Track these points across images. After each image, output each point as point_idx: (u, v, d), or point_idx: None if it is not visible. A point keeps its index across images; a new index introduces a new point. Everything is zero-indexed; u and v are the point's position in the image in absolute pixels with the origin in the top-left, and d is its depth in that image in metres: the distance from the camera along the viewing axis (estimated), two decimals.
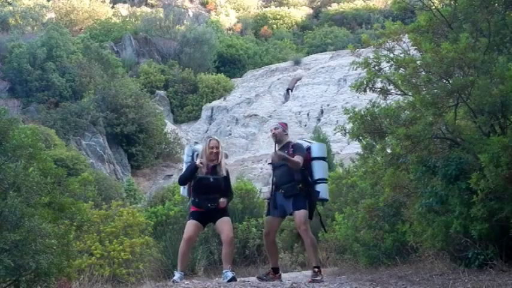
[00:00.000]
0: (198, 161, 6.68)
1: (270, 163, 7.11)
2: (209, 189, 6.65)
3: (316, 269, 6.59)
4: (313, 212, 6.85)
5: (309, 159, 6.80)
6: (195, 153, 6.91)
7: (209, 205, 6.62)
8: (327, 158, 7.05)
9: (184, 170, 6.97)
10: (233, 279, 6.35)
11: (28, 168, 6.20)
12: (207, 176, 6.67)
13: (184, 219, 12.49)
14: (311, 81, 38.92)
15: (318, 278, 6.50)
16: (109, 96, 33.07)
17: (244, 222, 12.90)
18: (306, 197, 6.68)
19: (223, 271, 6.50)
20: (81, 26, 48.54)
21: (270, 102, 38.05)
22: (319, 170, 6.80)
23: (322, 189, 6.78)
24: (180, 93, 41.13)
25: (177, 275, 6.50)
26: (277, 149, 6.91)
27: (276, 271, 6.82)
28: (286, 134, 7.03)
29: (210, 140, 6.82)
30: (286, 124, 7.19)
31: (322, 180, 6.81)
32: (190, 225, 6.66)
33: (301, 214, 6.59)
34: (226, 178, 6.78)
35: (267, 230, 6.91)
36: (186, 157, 7.03)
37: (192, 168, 6.71)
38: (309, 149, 6.88)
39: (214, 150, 6.73)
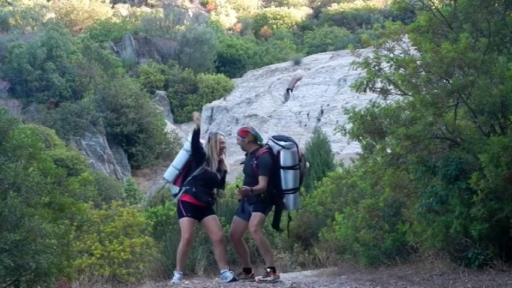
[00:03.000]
0: (195, 124, 6.52)
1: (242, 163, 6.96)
2: (212, 183, 6.60)
3: (268, 269, 6.43)
4: (278, 218, 6.73)
5: (278, 167, 6.49)
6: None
7: (209, 199, 6.57)
8: (297, 166, 6.53)
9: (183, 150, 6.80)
10: (234, 279, 6.35)
11: (28, 168, 6.20)
12: (215, 172, 6.60)
13: None
14: (311, 81, 38.93)
15: (268, 278, 6.34)
16: (109, 96, 33.08)
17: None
18: (267, 203, 6.53)
19: (221, 272, 6.48)
20: (81, 26, 48.51)
21: (270, 102, 38.05)
22: (286, 180, 6.47)
23: (289, 201, 6.57)
24: (180, 93, 41.12)
25: (176, 276, 6.46)
26: (245, 156, 6.75)
27: (247, 271, 6.66)
28: (251, 141, 6.66)
29: (217, 134, 6.75)
30: (245, 131, 6.70)
31: (290, 191, 6.52)
32: (189, 223, 6.49)
33: (255, 216, 6.45)
34: (225, 172, 6.70)
35: (232, 231, 6.74)
36: (187, 144, 6.78)
37: (196, 132, 6.51)
38: (278, 153, 6.52)
39: (224, 145, 6.70)
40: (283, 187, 6.51)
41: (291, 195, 6.56)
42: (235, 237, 6.72)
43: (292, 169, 6.50)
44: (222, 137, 6.73)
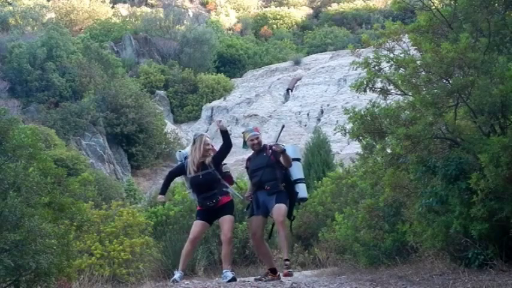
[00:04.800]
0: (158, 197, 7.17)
1: (246, 167, 7.18)
2: (202, 187, 6.65)
3: (287, 262, 6.70)
4: (292, 210, 7.05)
5: None
6: (184, 157, 6.90)
7: (208, 203, 6.63)
8: (299, 158, 7.25)
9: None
10: (233, 279, 6.35)
11: (28, 168, 6.21)
12: (197, 174, 6.67)
13: (184, 219, 12.56)
14: (311, 81, 38.92)
15: (291, 270, 6.76)
16: (109, 96, 33.08)
17: (245, 222, 12.88)
18: (287, 195, 6.82)
19: (223, 271, 6.50)
20: (81, 26, 48.53)
21: (270, 102, 38.04)
22: (296, 171, 6.96)
23: (302, 189, 6.96)
24: (180, 93, 41.13)
25: (177, 274, 6.48)
26: (255, 155, 7.02)
27: (273, 271, 6.73)
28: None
29: (203, 136, 6.81)
30: (257, 128, 7.30)
31: (300, 180, 6.97)
32: (196, 225, 6.69)
33: (282, 207, 6.69)
34: (218, 167, 6.73)
35: (253, 231, 6.87)
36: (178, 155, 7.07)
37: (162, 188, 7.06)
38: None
39: (209, 146, 6.75)
40: (294, 177, 6.91)
41: (301, 185, 6.96)
42: (256, 236, 6.84)
43: (298, 161, 7.06)
44: (207, 138, 6.78)
